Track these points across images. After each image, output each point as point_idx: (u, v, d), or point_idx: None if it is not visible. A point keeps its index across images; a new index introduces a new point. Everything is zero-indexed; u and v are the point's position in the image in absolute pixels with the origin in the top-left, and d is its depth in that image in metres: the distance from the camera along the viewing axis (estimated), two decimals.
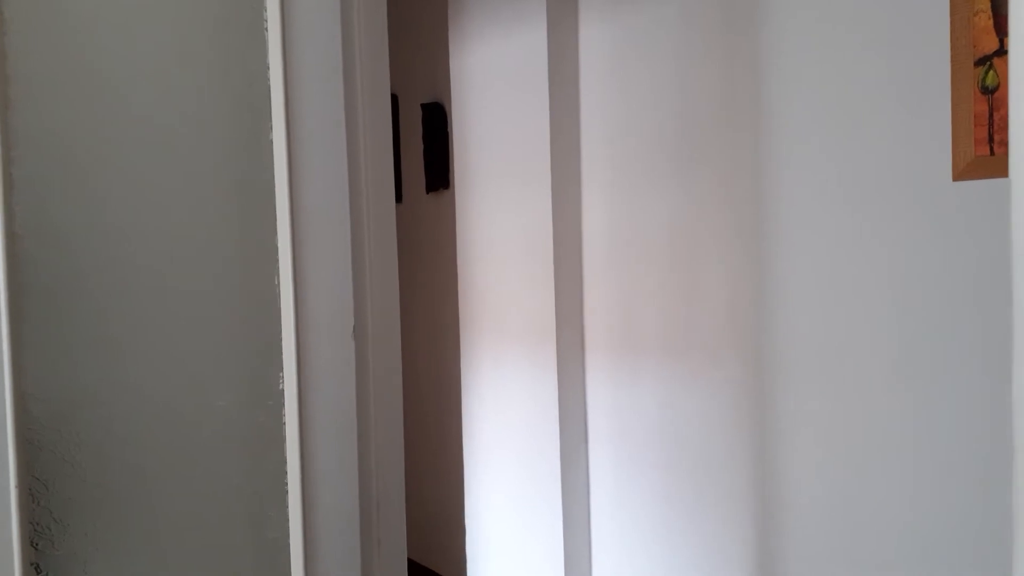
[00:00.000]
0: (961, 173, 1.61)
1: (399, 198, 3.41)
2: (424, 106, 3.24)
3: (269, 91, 0.98)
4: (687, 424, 2.33)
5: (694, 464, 2.32)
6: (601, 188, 2.57)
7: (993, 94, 1.56)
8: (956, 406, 1.73)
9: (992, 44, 1.55)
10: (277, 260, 0.98)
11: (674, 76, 2.33)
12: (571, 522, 2.64)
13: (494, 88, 2.76)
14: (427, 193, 3.32)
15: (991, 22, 1.55)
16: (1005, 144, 1.56)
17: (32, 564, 0.83)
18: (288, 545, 0.98)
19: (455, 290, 3.05)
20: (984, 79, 1.57)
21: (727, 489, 2.23)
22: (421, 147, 3.29)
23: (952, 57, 1.60)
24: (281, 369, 0.99)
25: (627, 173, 2.48)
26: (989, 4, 1.56)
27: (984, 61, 1.57)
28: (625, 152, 2.49)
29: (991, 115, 1.56)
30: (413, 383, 2.71)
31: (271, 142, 0.98)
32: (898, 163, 1.77)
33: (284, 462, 0.99)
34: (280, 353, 0.99)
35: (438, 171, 3.24)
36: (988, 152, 1.56)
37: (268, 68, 0.97)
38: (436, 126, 3.21)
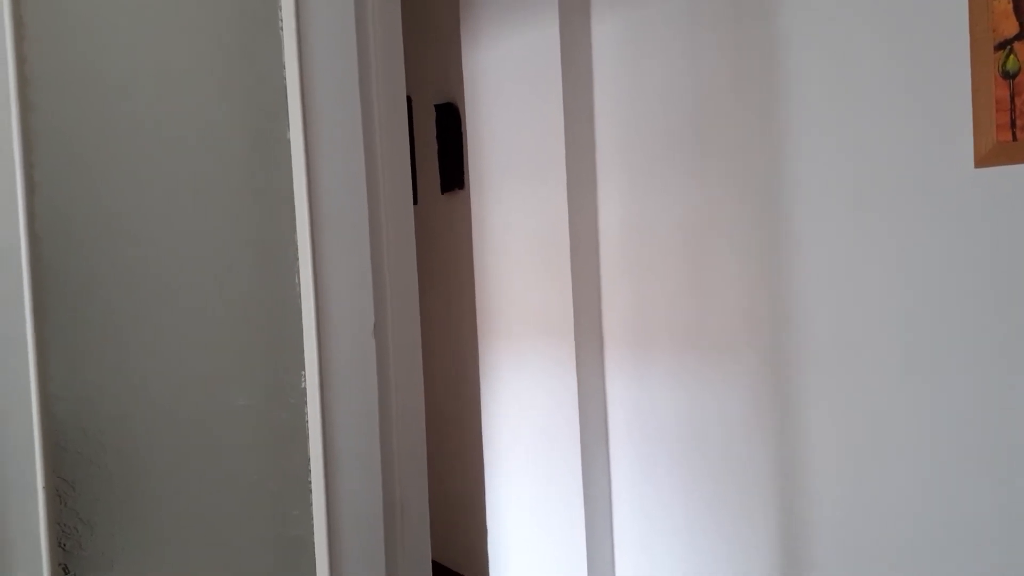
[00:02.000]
0: (983, 160, 1.59)
1: (414, 199, 3.42)
2: (438, 107, 3.25)
3: (285, 92, 0.99)
4: (706, 419, 2.32)
5: (714, 459, 2.31)
6: (616, 184, 2.56)
7: (1014, 79, 1.54)
8: (976, 400, 1.71)
9: (1012, 28, 1.53)
10: (297, 259, 0.98)
11: (687, 69, 2.32)
12: (593, 520, 2.64)
13: (507, 87, 2.76)
14: (442, 194, 3.33)
15: (1010, 6, 1.53)
16: None
17: (60, 565, 0.84)
18: (312, 543, 0.99)
19: (472, 290, 3.05)
20: (1004, 64, 1.55)
21: (748, 484, 2.22)
22: (435, 148, 3.30)
23: (971, 42, 1.58)
24: (303, 368, 0.99)
25: (642, 169, 2.47)
26: None
27: (1004, 46, 1.54)
28: (640, 148, 2.48)
29: (1012, 100, 1.54)
30: (431, 384, 2.71)
31: (288, 142, 0.98)
32: (917, 152, 1.75)
33: (307, 460, 0.99)
34: (301, 352, 0.99)
35: (453, 171, 3.24)
36: (1011, 138, 1.54)
37: (284, 68, 0.98)
38: (450, 126, 3.21)
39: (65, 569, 0.85)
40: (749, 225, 2.17)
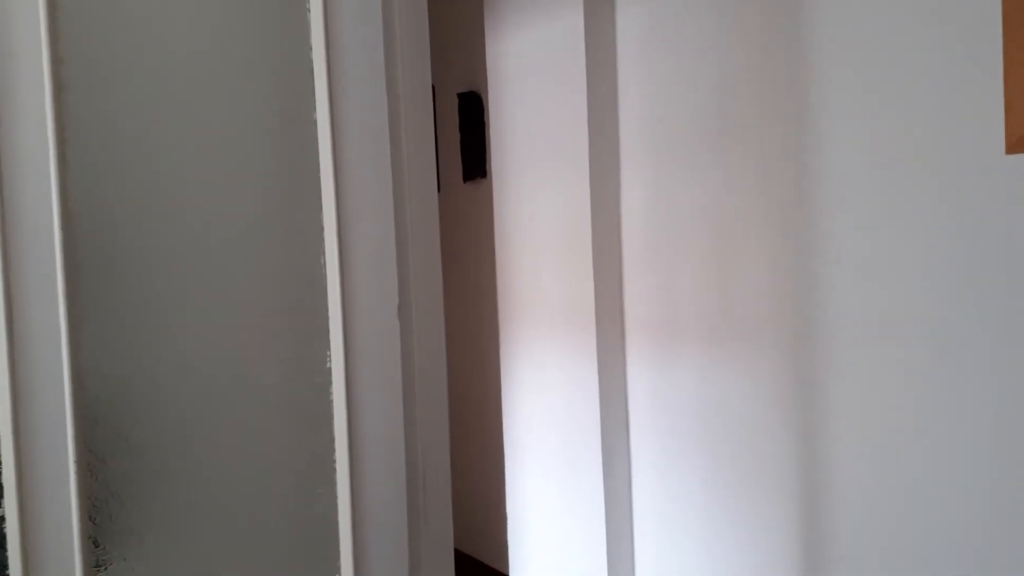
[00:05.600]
0: (1014, 145, 1.56)
1: (437, 187, 3.43)
2: (460, 95, 3.25)
3: (312, 73, 0.99)
4: (729, 409, 2.31)
5: (737, 449, 2.30)
6: (640, 173, 2.56)
7: None
8: (1005, 389, 1.68)
9: None
10: (323, 239, 0.99)
11: (711, 57, 2.30)
12: (613, 508, 2.64)
13: (531, 75, 2.76)
14: (464, 182, 3.34)
15: None
16: None
17: (91, 538, 0.85)
18: (336, 520, 1.00)
19: (493, 279, 3.06)
20: None
21: (771, 474, 2.21)
22: (458, 137, 3.30)
23: (1004, 22, 1.55)
24: (328, 347, 1.00)
25: (665, 157, 2.46)
26: None
27: None
28: (663, 136, 2.46)
29: None
30: (452, 372, 2.73)
31: (315, 122, 0.99)
32: (946, 137, 1.73)
33: (332, 439, 1.00)
34: (327, 331, 1.00)
35: (475, 160, 3.25)
36: None
37: (311, 49, 0.98)
38: (473, 115, 3.22)
39: (95, 543, 0.86)
40: (774, 213, 2.15)
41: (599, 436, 2.61)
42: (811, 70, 2.01)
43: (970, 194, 1.70)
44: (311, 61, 0.99)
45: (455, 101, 3.28)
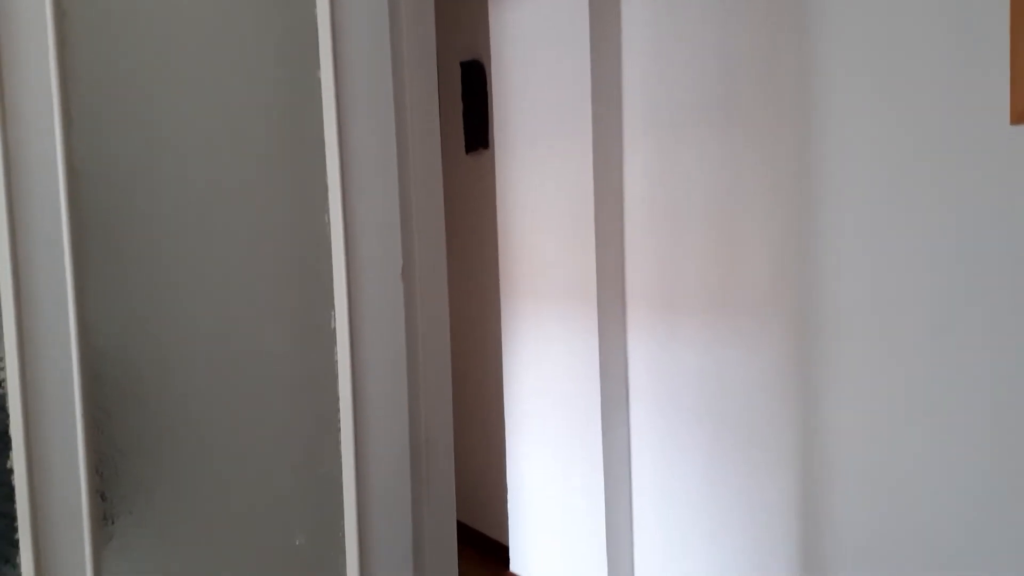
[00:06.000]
0: (1020, 116, 1.56)
1: (440, 151, 3.41)
2: (463, 64, 3.23)
3: (316, 30, 0.99)
4: (729, 383, 2.32)
5: (736, 422, 2.31)
6: (642, 147, 2.55)
7: None
8: (1007, 365, 1.69)
9: None
10: (327, 198, 0.99)
11: (716, 29, 2.28)
12: (612, 480, 2.66)
13: (534, 45, 2.74)
14: (466, 154, 3.32)
15: None
16: None
17: (98, 491, 0.86)
18: (340, 480, 1.00)
19: (495, 251, 3.05)
20: None
21: (770, 445, 2.22)
22: (460, 107, 3.29)
23: None
24: (332, 308, 1.01)
25: (669, 130, 2.45)
26: None
27: None
28: (667, 110, 2.45)
29: None
30: (454, 345, 2.74)
31: (319, 80, 0.99)
32: (951, 108, 1.72)
33: (336, 399, 1.01)
34: (331, 292, 1.00)
35: (477, 131, 3.23)
36: None
37: (315, 6, 0.98)
38: (475, 85, 3.20)
39: (103, 496, 0.87)
40: (777, 187, 2.15)
41: (599, 408, 2.63)
42: (815, 46, 1.99)
43: (974, 165, 1.69)
44: (315, 17, 0.98)
45: (458, 70, 3.26)
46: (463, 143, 3.31)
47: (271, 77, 0.99)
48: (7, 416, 0.81)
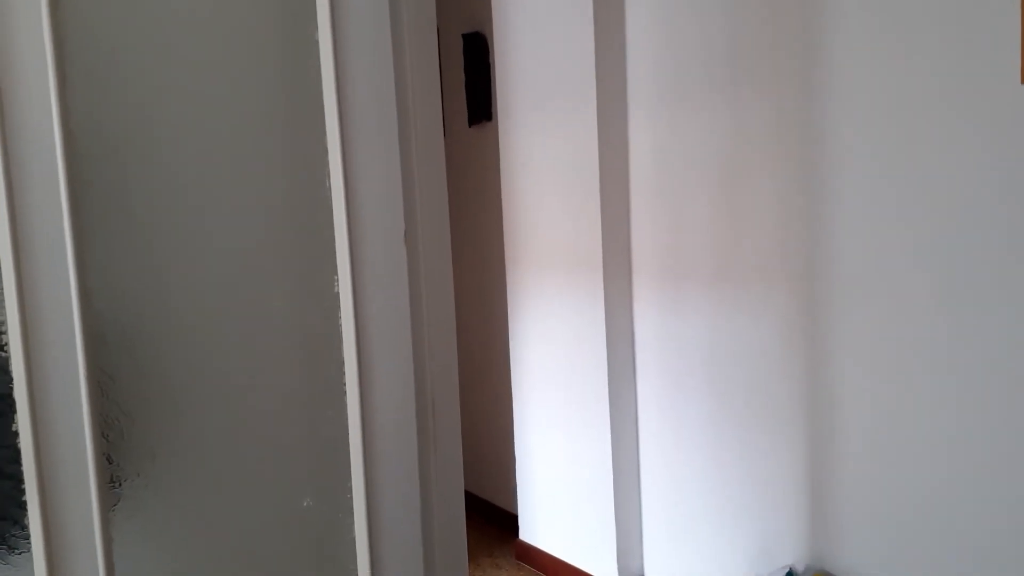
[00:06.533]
0: None
1: (442, 119, 3.40)
2: (465, 36, 3.20)
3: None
4: (735, 350, 2.32)
5: (743, 389, 2.31)
6: (647, 114, 2.52)
7: None
8: (1012, 324, 1.68)
9: None
10: (327, 162, 0.98)
11: None
12: (620, 448, 2.66)
13: (537, 15, 2.71)
14: (469, 126, 3.30)
15: None
16: None
17: (104, 455, 0.86)
18: (347, 444, 1.00)
19: (500, 223, 3.04)
20: None
21: (777, 409, 2.22)
22: (462, 79, 3.26)
23: None
24: (335, 272, 1.00)
25: (674, 98, 2.43)
26: None
27: None
28: (672, 77, 2.42)
29: None
30: (460, 316, 2.75)
31: (317, 43, 0.97)
32: (959, 67, 1.70)
33: (341, 363, 1.00)
34: (334, 256, 1.00)
35: (480, 103, 3.21)
36: None
37: None
38: (478, 57, 3.17)
39: (109, 459, 0.87)
40: (783, 152, 2.13)
41: (606, 377, 2.63)
42: (824, 5, 1.96)
43: (984, 126, 1.67)
44: None
45: (460, 42, 3.23)
46: (466, 116, 3.29)
47: (269, 39, 0.98)
48: (11, 379, 0.81)
